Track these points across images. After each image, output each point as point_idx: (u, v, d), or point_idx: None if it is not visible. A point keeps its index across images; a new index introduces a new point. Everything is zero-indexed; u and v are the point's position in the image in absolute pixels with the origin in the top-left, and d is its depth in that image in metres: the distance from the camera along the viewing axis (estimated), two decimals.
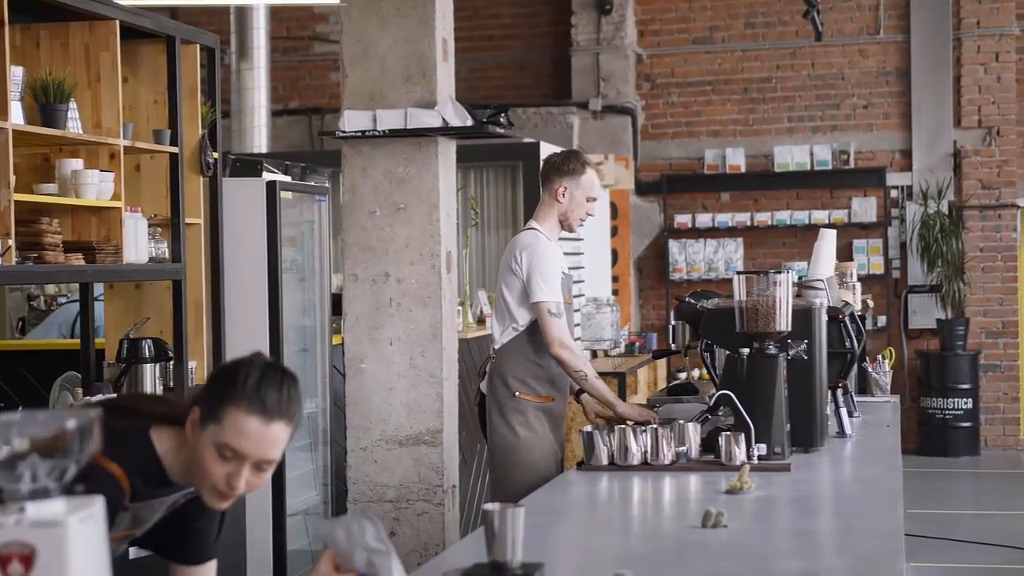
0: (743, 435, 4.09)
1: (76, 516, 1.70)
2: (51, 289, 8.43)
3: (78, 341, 5.73)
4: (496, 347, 5.16)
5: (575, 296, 5.98)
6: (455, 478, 5.68)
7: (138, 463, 2.58)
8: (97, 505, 1.74)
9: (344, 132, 5.50)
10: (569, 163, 5.16)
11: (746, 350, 4.26)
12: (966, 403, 11.91)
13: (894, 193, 12.41)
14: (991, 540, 8.48)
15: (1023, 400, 12.41)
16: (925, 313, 12.26)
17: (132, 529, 2.68)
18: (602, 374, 8.83)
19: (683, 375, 10.30)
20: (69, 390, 5.48)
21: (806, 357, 4.38)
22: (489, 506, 2.68)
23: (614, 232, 12.09)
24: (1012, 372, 12.31)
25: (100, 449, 2.43)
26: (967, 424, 11.94)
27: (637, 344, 10.41)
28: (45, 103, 4.67)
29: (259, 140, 10.71)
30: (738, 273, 4.33)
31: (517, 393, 5.05)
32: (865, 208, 12.31)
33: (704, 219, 12.56)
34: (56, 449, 1.73)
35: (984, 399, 12.16)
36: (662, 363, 10.69)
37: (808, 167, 12.41)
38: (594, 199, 5.18)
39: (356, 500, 5.60)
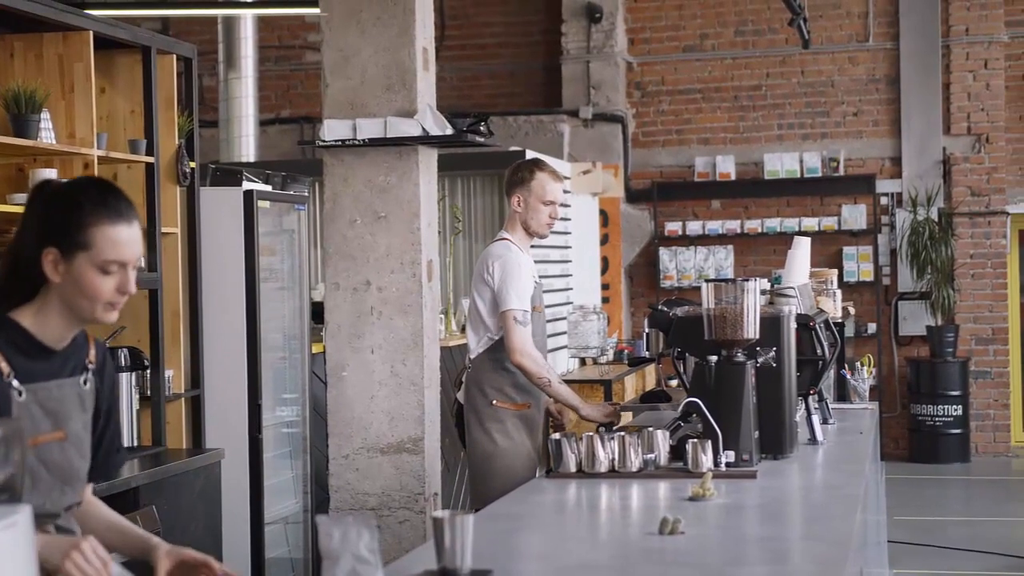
0: (711, 442, 4.10)
1: None
2: None
3: None
4: (472, 356, 5.22)
5: (548, 306, 6.01)
6: (437, 486, 5.69)
7: (5, 336, 2.62)
8: (22, 514, 1.75)
9: (324, 141, 5.51)
10: (518, 172, 5.27)
11: (714, 358, 4.27)
12: (956, 410, 11.91)
13: (884, 200, 12.43)
14: (980, 547, 8.48)
15: (1013, 407, 12.43)
16: (915, 320, 12.27)
17: (56, 429, 2.68)
18: (589, 382, 8.93)
19: (674, 383, 10.31)
20: None
21: (775, 364, 4.39)
22: (438, 514, 2.71)
23: (604, 240, 12.12)
24: (1002, 379, 12.31)
25: None
26: (957, 431, 11.95)
27: (626, 352, 10.42)
28: (17, 113, 4.69)
29: (247, 149, 10.73)
30: (707, 281, 4.35)
31: (494, 402, 5.12)
32: (855, 215, 12.32)
33: (694, 227, 12.58)
34: None
35: (974, 406, 12.16)
36: (651, 370, 10.70)
37: (798, 174, 12.43)
38: (551, 202, 5.22)
39: (338, 508, 5.61)
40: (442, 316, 8.16)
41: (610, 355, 10.17)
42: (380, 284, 5.52)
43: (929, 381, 11.97)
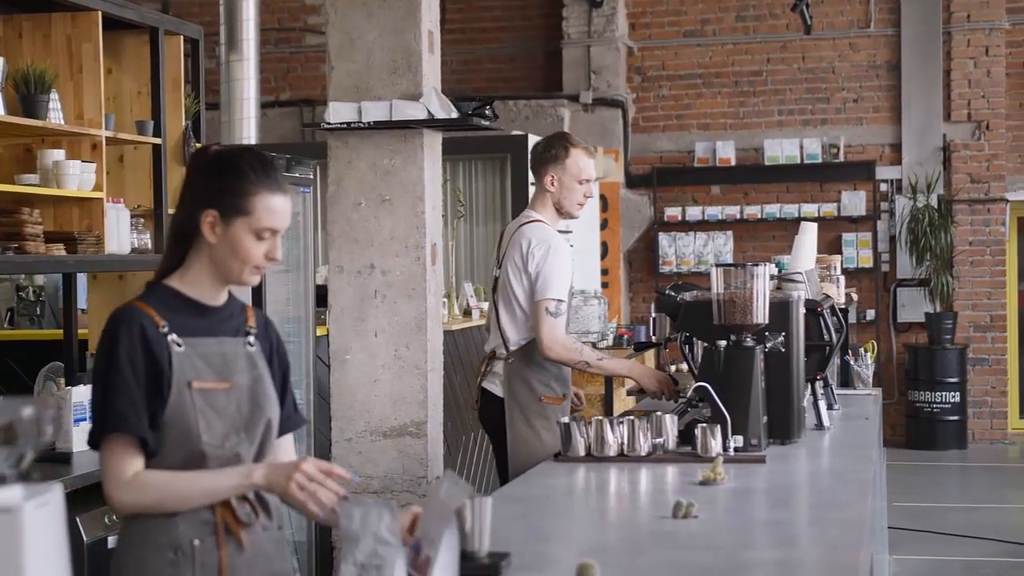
0: (719, 427, 4.11)
1: (32, 502, 1.71)
2: (40, 279, 8.44)
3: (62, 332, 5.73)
4: (512, 348, 5.04)
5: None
6: (439, 469, 5.69)
7: (158, 297, 2.77)
8: (55, 492, 1.75)
9: (329, 124, 5.50)
10: (551, 149, 5.07)
11: (723, 342, 4.27)
12: (954, 397, 11.94)
13: (884, 187, 12.44)
14: (977, 533, 8.51)
15: (1011, 394, 12.46)
16: (914, 307, 12.29)
17: (221, 380, 2.77)
18: None
19: (673, 368, 10.31)
20: (53, 380, 5.50)
21: (783, 349, 4.39)
22: None
23: (604, 225, 12.12)
24: (1000, 366, 12.34)
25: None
26: (955, 418, 11.98)
27: (626, 337, 10.43)
28: (26, 94, 4.68)
29: (248, 131, 10.66)
30: (716, 265, 4.34)
31: (542, 398, 4.98)
32: (855, 202, 12.33)
33: (694, 212, 12.58)
34: (12, 436, 1.75)
35: (972, 393, 12.19)
36: (650, 356, 10.72)
37: (798, 160, 12.43)
38: (586, 180, 5.08)
39: None
40: (444, 300, 8.16)
41: (610, 340, 10.18)
42: (384, 267, 5.52)
43: (927, 368, 11.99)
